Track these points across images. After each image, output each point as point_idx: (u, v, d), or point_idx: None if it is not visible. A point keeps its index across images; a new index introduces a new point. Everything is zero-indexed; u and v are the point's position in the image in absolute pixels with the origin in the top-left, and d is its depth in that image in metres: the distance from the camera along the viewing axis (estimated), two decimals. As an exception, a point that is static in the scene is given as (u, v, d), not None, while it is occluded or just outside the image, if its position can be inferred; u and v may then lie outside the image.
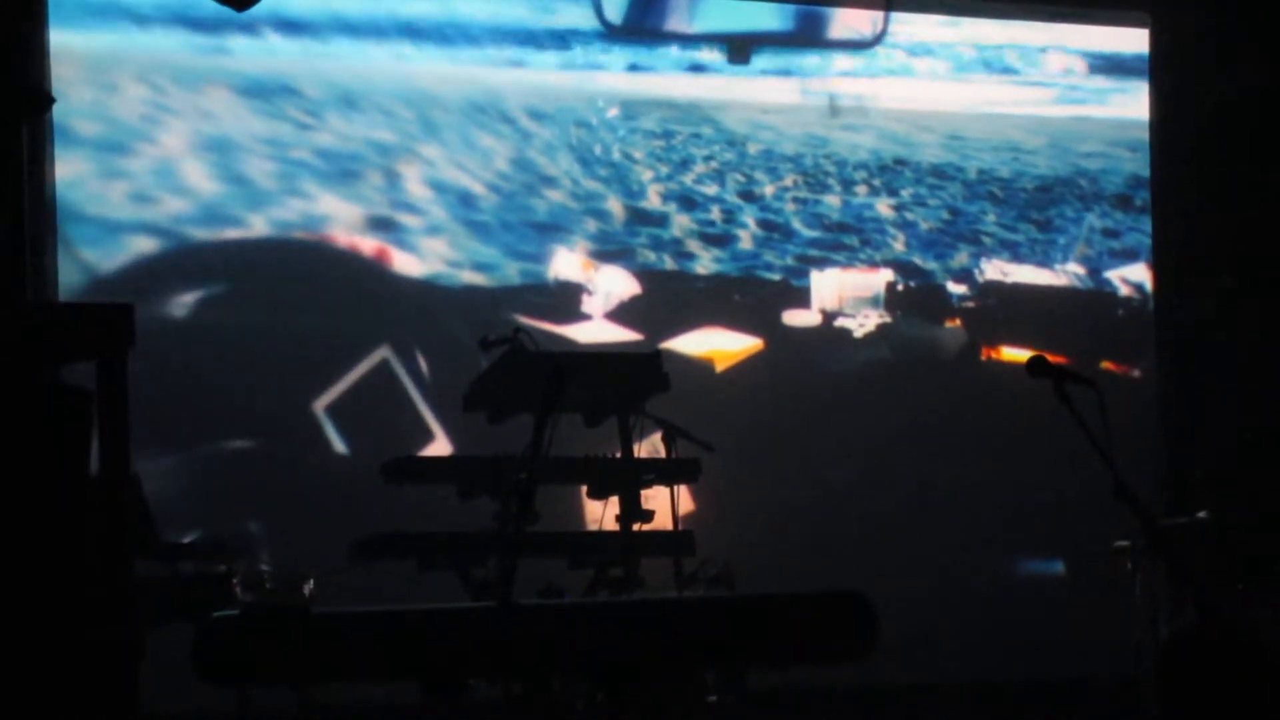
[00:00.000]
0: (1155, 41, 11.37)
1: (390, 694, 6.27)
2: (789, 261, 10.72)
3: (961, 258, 11.02)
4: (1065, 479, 9.80)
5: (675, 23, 10.77)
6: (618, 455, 7.48)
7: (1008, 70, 11.28)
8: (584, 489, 7.83)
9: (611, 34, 10.58)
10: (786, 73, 10.88)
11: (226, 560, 7.23)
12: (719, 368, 10.52)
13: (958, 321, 10.99)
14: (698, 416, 8.05)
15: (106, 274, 9.58)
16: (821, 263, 10.77)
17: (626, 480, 7.42)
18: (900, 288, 10.88)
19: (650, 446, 7.77)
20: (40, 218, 9.21)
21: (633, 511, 7.38)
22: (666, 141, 10.61)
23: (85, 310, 4.95)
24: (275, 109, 9.96)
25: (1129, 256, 11.33)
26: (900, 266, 10.91)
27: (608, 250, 10.43)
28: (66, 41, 9.51)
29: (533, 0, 10.48)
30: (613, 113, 10.54)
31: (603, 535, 7.51)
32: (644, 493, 7.48)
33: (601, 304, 10.34)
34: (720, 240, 10.64)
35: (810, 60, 10.94)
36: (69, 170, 9.53)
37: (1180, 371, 11.08)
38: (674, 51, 10.71)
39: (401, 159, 10.14)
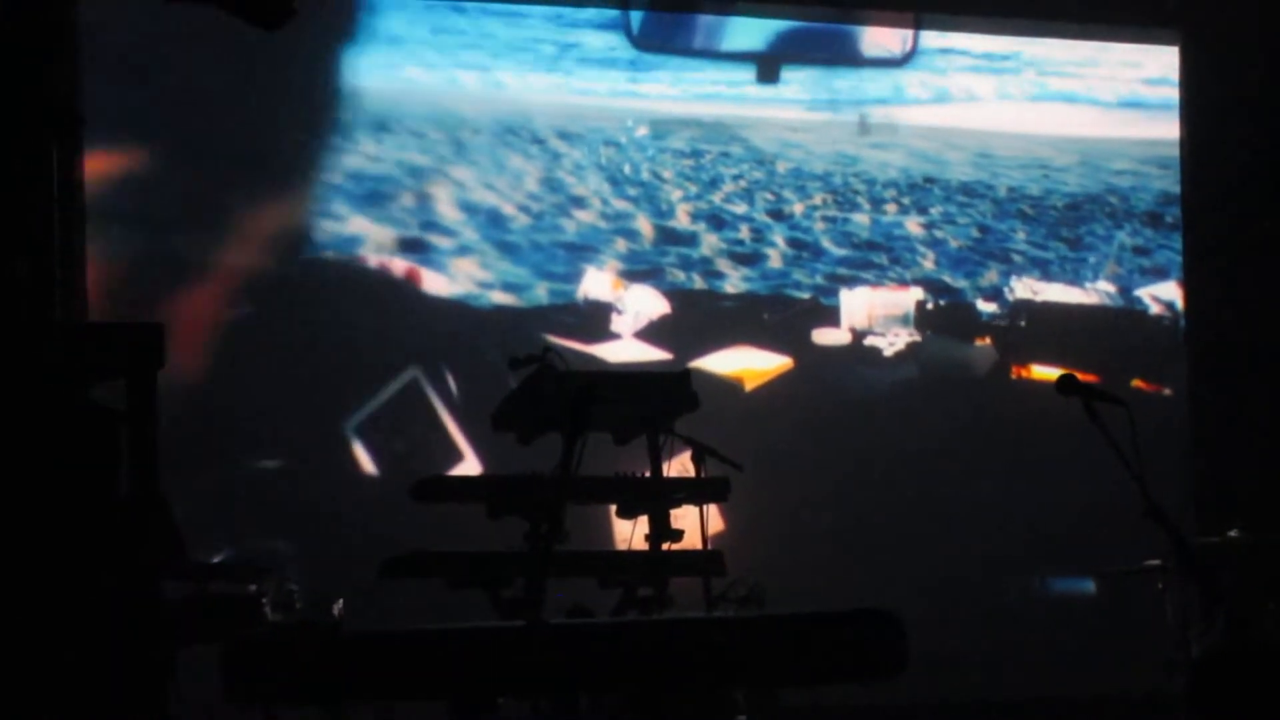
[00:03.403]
0: (1185, 59, 11.36)
1: (419, 713, 6.26)
2: (818, 280, 10.72)
3: (991, 276, 11.01)
4: (1096, 498, 9.77)
5: (704, 42, 10.78)
6: (647, 474, 7.46)
7: (1037, 88, 11.27)
8: (613, 508, 7.81)
9: (641, 53, 10.59)
10: (816, 91, 10.88)
11: (256, 580, 7.23)
12: (748, 386, 10.52)
13: (988, 340, 10.98)
14: (727, 435, 8.02)
15: (138, 295, 9.61)
16: (851, 281, 10.77)
17: (656, 499, 7.40)
18: (930, 306, 10.87)
19: (680, 466, 7.74)
20: (70, 238, 9.24)
21: (662, 531, 7.35)
22: (695, 160, 10.62)
23: (115, 330, 4.96)
24: (307, 131, 10.02)
25: (1160, 274, 11.31)
26: (930, 285, 10.90)
27: (637, 270, 10.44)
28: (100, 65, 9.55)
29: (562, 21, 10.50)
30: (642, 132, 10.56)
31: (632, 555, 7.49)
32: (673, 512, 7.45)
33: (631, 323, 10.34)
34: (749, 259, 10.64)
35: (840, 78, 10.94)
36: (101, 191, 9.57)
37: (1211, 390, 11.05)
38: (703, 71, 10.72)
39: (432, 180, 10.16)
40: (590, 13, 10.57)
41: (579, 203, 10.42)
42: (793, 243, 10.75)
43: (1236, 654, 4.47)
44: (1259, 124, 11.05)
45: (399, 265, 10.08)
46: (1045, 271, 11.13)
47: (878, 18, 11.04)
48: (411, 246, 10.10)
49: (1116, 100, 11.39)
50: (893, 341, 10.79)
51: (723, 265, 10.61)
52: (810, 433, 10.43)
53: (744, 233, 10.68)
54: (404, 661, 5.56)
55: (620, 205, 10.48)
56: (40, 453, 4.27)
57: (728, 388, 10.41)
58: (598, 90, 10.53)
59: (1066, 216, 11.22)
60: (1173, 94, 11.39)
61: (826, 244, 10.78)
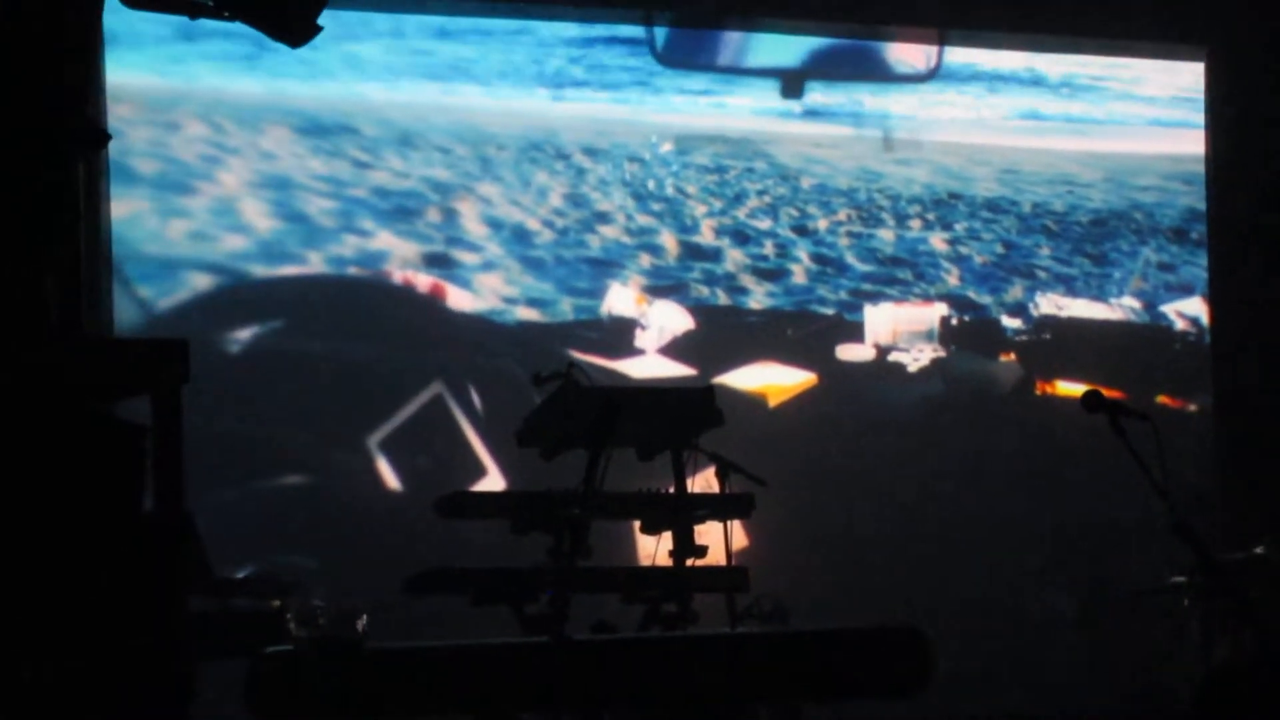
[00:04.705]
0: (1211, 75, 11.34)
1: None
2: (843, 296, 10.72)
3: (1016, 291, 10.99)
4: (1121, 514, 9.76)
5: (728, 57, 10.79)
6: (671, 490, 7.46)
7: (1062, 104, 11.26)
8: (637, 524, 7.81)
9: (665, 69, 10.60)
10: (840, 107, 10.88)
11: (280, 595, 7.23)
12: (772, 402, 10.51)
13: (1012, 356, 10.96)
14: (751, 451, 8.02)
15: (164, 311, 9.64)
16: (875, 297, 10.76)
17: (680, 515, 7.39)
18: (954, 322, 10.85)
19: (704, 481, 7.73)
20: (95, 254, 9.27)
21: (686, 547, 7.34)
22: (720, 176, 10.63)
23: (140, 345, 4.97)
24: (334, 148, 10.02)
25: (1185, 290, 11.28)
26: (954, 300, 10.88)
27: (661, 285, 10.44)
28: (126, 81, 9.59)
29: (586, 36, 10.52)
30: (666, 148, 10.56)
31: (656, 571, 7.48)
32: (697, 528, 7.44)
33: (655, 339, 10.35)
34: (774, 275, 10.64)
35: (864, 94, 10.94)
36: (128, 208, 9.61)
37: (1237, 405, 11.01)
38: (727, 87, 10.72)
39: (458, 196, 10.18)
40: (615, 29, 10.59)
41: (603, 218, 10.43)
42: (817, 258, 10.74)
43: (1243, 669, 4.45)
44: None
45: (424, 280, 10.09)
46: (1070, 287, 11.11)
47: (902, 34, 11.03)
48: (437, 262, 10.12)
49: (1141, 116, 11.38)
50: (917, 357, 10.78)
51: (747, 281, 10.61)
52: (834, 448, 10.42)
53: (768, 248, 10.68)
54: (428, 677, 5.56)
55: (644, 221, 10.48)
56: (65, 468, 4.27)
57: (752, 403, 10.40)
58: (622, 106, 10.54)
59: (1091, 232, 11.20)
60: (1198, 110, 11.36)
61: (851, 260, 10.77)
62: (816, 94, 10.86)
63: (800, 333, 10.64)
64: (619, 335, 10.31)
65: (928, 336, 10.80)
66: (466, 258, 10.16)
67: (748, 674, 5.85)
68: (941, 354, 10.81)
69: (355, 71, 10.10)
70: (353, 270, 10.01)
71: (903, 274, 10.84)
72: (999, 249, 11.03)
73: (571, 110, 10.46)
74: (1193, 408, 11.19)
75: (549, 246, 10.29)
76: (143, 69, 9.69)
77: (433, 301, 10.09)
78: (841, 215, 10.80)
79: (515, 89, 10.37)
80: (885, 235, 10.85)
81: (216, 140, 9.88)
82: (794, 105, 10.79)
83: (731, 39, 10.79)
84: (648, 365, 10.29)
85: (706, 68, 10.73)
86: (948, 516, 10.44)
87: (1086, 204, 11.22)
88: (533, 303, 10.23)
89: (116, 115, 9.55)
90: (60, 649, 4.21)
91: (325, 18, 5.04)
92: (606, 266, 10.39)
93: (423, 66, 10.24)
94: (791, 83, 10.79)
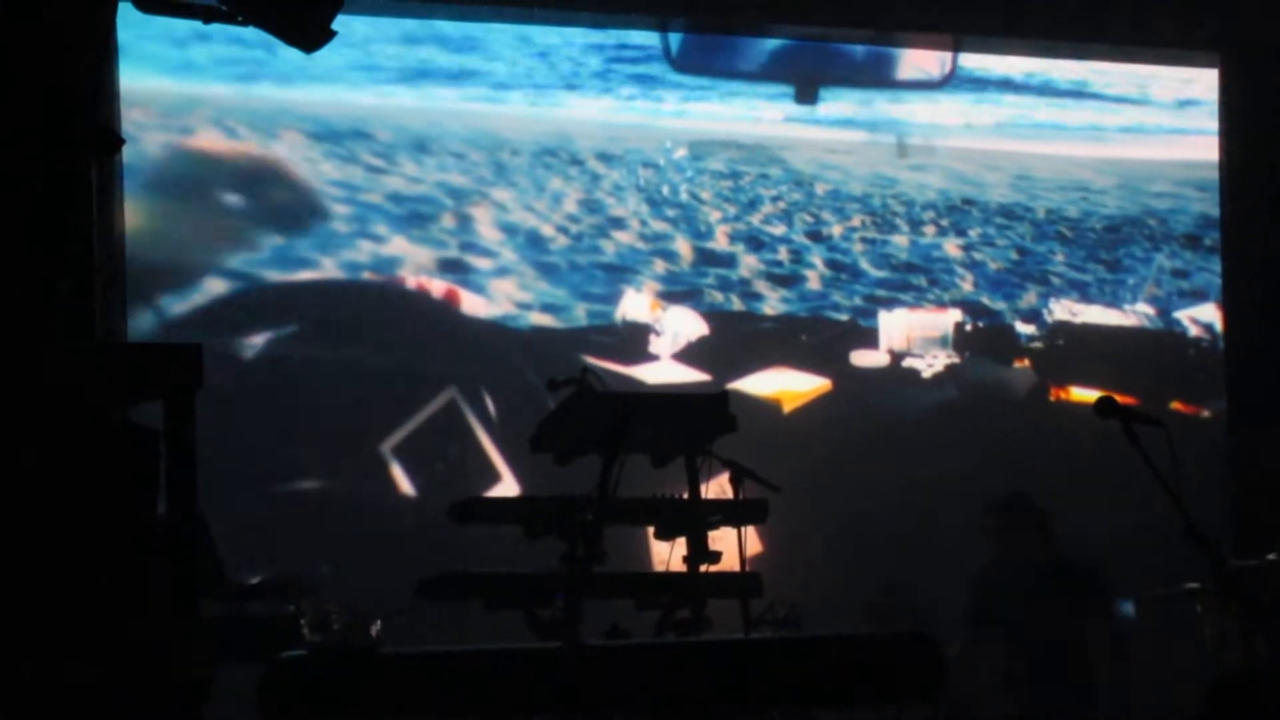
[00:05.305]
0: (1224, 81, 11.33)
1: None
2: (857, 302, 10.72)
3: (1030, 298, 10.99)
4: (1134, 520, 9.73)
5: (742, 64, 10.79)
6: (685, 496, 7.46)
7: (1076, 110, 11.25)
8: (651, 530, 7.81)
9: (679, 75, 10.61)
10: (854, 113, 10.88)
11: (294, 600, 7.24)
12: (786, 408, 10.51)
13: (1026, 362, 10.96)
14: (765, 457, 8.01)
15: (177, 316, 9.65)
16: (889, 303, 10.76)
17: (693, 521, 7.38)
18: (969, 328, 10.85)
19: (718, 487, 7.73)
20: (108, 259, 9.28)
21: (700, 552, 7.33)
22: (734, 182, 10.63)
23: (153, 350, 4.97)
24: (348, 153, 10.03)
25: (1198, 296, 11.28)
26: (968, 306, 10.88)
27: (675, 291, 10.44)
28: (140, 86, 9.60)
29: (600, 42, 10.52)
30: (680, 154, 10.57)
31: (670, 576, 7.48)
32: (711, 534, 7.44)
33: (669, 344, 10.35)
34: (788, 280, 10.64)
35: (879, 100, 10.94)
36: (142, 213, 9.62)
37: (1250, 412, 11.00)
38: (741, 92, 10.72)
39: (472, 202, 10.19)
40: (629, 35, 10.59)
41: (618, 224, 10.43)
42: (831, 264, 10.75)
43: (1255, 675, 4.45)
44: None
45: (438, 286, 10.10)
46: (1084, 293, 11.10)
47: (916, 40, 11.03)
48: (451, 267, 10.13)
49: (1155, 122, 11.37)
50: (931, 363, 10.77)
51: (761, 286, 10.61)
52: (848, 454, 10.41)
53: (782, 254, 10.68)
54: (442, 682, 5.56)
55: (659, 226, 10.49)
56: (77, 472, 4.28)
57: (766, 409, 10.40)
58: (637, 112, 10.55)
59: (1105, 239, 11.20)
60: (1212, 116, 11.35)
61: (865, 265, 10.78)
62: (830, 100, 10.86)
63: (814, 338, 10.65)
64: (633, 341, 10.32)
65: (942, 342, 10.80)
66: (481, 263, 10.17)
67: (761, 680, 5.85)
68: (955, 360, 10.81)
69: (369, 76, 10.11)
70: (367, 275, 10.02)
71: (917, 280, 10.84)
72: (1013, 255, 11.03)
73: (586, 115, 10.47)
74: (1206, 414, 11.18)
75: (563, 252, 10.30)
76: (156, 74, 9.71)
77: (447, 307, 10.10)
78: (856, 221, 10.81)
79: (529, 94, 10.38)
80: (899, 241, 10.85)
81: (230, 145, 9.89)
82: (808, 111, 10.79)
83: (746, 45, 10.80)
84: (662, 371, 10.29)
85: (721, 73, 10.73)
86: (961, 521, 10.41)
87: (1100, 210, 11.22)
88: (547, 308, 10.24)
89: (130, 120, 9.57)
90: (74, 653, 4.22)
91: (338, 23, 5.05)
92: (621, 272, 10.40)
93: (437, 71, 10.25)
94: (806, 89, 10.79)
